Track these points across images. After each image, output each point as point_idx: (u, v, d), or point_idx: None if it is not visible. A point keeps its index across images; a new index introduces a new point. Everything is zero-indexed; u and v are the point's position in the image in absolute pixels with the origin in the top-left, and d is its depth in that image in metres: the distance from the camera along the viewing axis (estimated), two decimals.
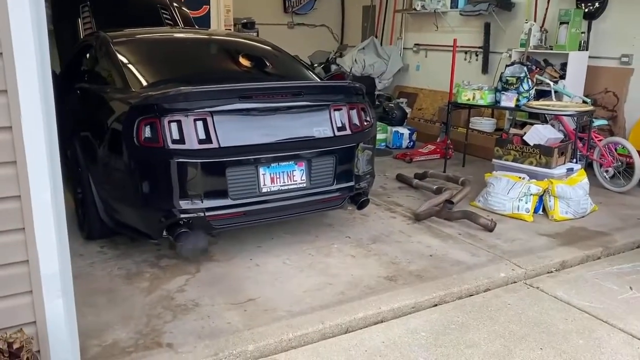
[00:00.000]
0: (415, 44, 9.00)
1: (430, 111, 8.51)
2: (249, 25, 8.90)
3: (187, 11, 6.91)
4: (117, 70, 3.90)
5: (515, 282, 3.62)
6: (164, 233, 3.40)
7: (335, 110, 3.75)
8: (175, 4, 6.50)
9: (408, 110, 8.18)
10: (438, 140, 7.20)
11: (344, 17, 10.54)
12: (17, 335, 1.90)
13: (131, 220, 3.56)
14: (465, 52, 8.03)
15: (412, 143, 7.37)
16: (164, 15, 6.34)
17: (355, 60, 8.87)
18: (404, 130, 7.36)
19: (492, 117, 7.50)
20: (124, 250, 3.85)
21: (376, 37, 9.45)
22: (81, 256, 3.73)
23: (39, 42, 2.02)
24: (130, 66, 3.92)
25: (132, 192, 3.37)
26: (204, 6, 7.68)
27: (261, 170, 3.47)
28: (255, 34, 8.44)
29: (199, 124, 3.30)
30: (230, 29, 7.66)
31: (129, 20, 5.41)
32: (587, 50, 6.43)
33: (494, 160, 5.25)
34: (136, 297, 3.23)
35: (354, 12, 10.29)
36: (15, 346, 1.85)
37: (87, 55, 4.54)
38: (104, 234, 3.90)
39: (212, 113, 3.33)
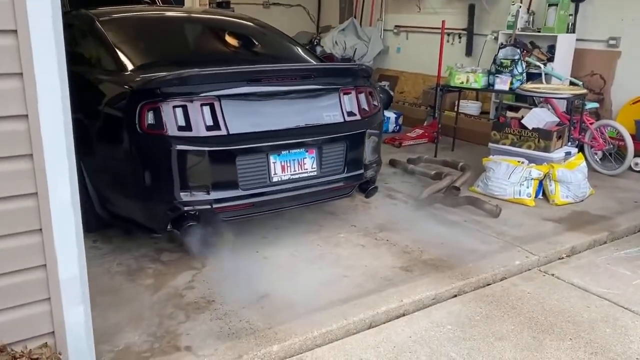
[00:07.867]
0: (396, 26, 8.85)
1: (412, 94, 8.41)
2: (224, 4, 8.55)
3: None
4: (107, 51, 3.60)
5: (529, 270, 3.56)
6: (169, 227, 3.18)
7: (344, 94, 3.57)
8: None
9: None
10: (425, 124, 7.11)
11: None
12: (43, 350, 1.68)
13: (132, 213, 3.31)
14: (448, 34, 7.93)
15: (398, 127, 7.26)
16: None
17: (336, 42, 8.66)
18: (391, 114, 7.23)
19: (477, 100, 7.47)
20: (118, 244, 3.60)
21: (355, 18, 9.25)
22: None
23: (52, 18, 1.78)
24: (121, 46, 3.63)
25: (134, 184, 3.13)
26: None
27: (272, 159, 3.28)
28: None
29: (206, 109, 3.07)
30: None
31: None
32: (574, 32, 6.43)
33: (490, 144, 5.18)
34: (142, 296, 3.01)
35: None
36: None
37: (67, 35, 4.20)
38: (97, 227, 3.64)
39: (219, 97, 3.11)
